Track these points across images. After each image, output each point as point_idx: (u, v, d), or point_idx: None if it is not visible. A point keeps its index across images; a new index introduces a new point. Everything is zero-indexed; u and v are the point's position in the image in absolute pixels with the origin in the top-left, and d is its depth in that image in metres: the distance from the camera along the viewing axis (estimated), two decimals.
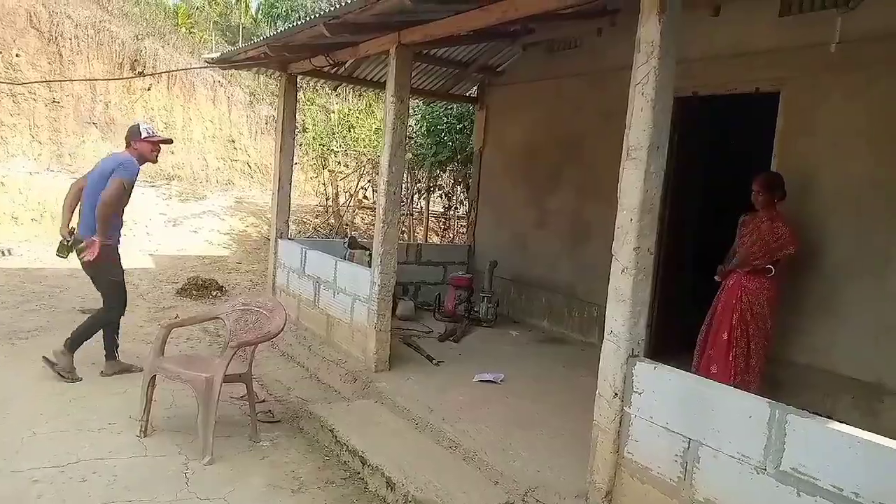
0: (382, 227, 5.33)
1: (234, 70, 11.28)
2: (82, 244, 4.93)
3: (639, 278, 3.11)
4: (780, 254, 4.45)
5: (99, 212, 4.83)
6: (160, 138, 5.25)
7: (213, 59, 7.26)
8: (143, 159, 5.11)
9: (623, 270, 3.13)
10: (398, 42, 5.16)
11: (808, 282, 4.83)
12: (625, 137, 3.17)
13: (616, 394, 3.15)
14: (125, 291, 5.25)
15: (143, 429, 4.15)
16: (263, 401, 4.95)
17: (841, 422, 2.54)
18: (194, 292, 8.40)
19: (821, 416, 2.63)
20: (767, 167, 5.00)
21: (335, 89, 9.58)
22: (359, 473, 3.87)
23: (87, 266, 5.02)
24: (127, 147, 5.12)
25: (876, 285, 4.50)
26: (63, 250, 5.09)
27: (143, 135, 5.07)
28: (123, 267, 5.22)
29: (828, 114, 4.82)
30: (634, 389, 3.10)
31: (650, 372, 3.05)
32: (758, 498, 2.54)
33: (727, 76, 5.42)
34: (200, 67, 13.43)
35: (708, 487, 2.75)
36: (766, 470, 2.51)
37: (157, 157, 5.25)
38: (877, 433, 2.30)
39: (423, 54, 7.27)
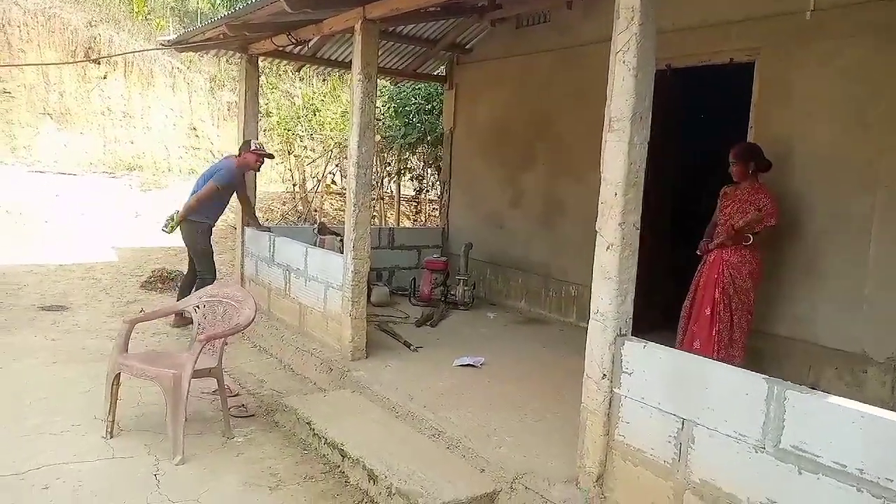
0: (354, 210, 5.14)
1: (192, 54, 10.90)
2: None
3: (625, 255, 2.99)
4: (760, 225, 4.38)
5: (187, 203, 6.26)
6: (265, 152, 6.58)
7: (169, 41, 6.96)
8: (247, 166, 6.53)
9: (608, 247, 3.01)
10: (363, 17, 4.95)
11: (789, 253, 4.79)
12: (606, 108, 3.04)
13: (604, 375, 3.04)
14: (213, 261, 6.43)
15: (109, 429, 3.95)
16: (236, 395, 4.78)
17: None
18: (159, 285, 8.13)
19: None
20: (744, 139, 4.93)
21: (299, 70, 9.25)
22: (339, 466, 3.73)
23: (184, 239, 6.39)
24: (239, 154, 6.52)
25: (855, 254, 4.47)
26: (167, 225, 6.21)
27: (252, 147, 6.47)
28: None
29: (802, 83, 4.77)
30: (624, 370, 2.99)
31: (640, 351, 2.95)
32: (756, 477, 2.45)
33: (701, 48, 5.34)
34: (156, 49, 12.95)
35: (704, 468, 2.66)
36: (764, 448, 2.42)
37: (259, 167, 6.66)
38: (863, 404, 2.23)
39: (389, 32, 7.06)
